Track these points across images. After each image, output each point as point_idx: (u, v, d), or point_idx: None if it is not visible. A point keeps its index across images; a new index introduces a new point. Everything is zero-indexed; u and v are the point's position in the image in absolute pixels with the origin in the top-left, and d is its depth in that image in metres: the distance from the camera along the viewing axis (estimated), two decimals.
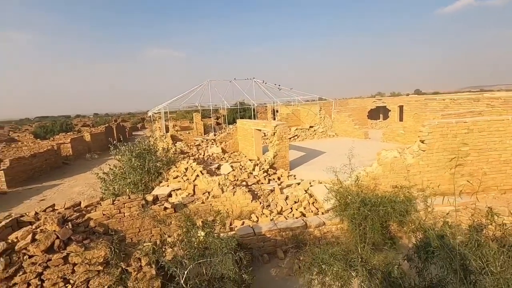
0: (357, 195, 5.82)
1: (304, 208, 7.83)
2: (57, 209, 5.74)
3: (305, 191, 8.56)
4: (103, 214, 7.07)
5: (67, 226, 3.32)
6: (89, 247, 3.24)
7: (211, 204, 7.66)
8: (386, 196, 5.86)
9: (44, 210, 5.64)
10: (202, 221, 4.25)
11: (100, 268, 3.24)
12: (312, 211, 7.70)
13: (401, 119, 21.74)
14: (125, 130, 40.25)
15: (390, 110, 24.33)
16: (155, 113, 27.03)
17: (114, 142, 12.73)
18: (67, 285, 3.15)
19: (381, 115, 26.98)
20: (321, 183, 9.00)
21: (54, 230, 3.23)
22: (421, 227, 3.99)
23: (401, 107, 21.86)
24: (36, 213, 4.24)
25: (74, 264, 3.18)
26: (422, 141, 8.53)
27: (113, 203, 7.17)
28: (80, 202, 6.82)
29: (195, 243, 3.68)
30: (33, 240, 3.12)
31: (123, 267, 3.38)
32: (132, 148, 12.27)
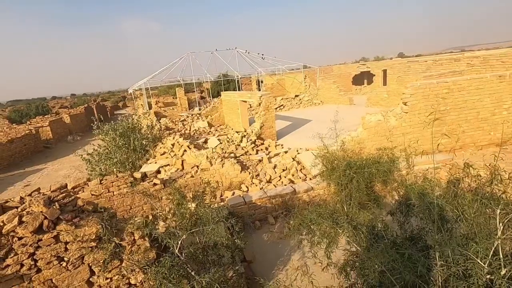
0: (343, 159, 6.00)
1: (293, 175, 8.02)
2: (42, 193, 5.64)
3: (293, 159, 8.72)
4: (92, 195, 7.03)
5: (54, 207, 3.28)
6: (80, 225, 3.23)
7: (200, 178, 7.71)
8: (370, 159, 6.07)
9: (30, 194, 5.54)
10: (192, 194, 4.30)
11: (93, 244, 3.27)
12: (300, 178, 7.90)
13: (385, 84, 21.88)
14: (106, 110, 38.90)
15: (374, 75, 24.36)
16: (135, 90, 26.08)
17: (96, 121, 12.36)
18: (61, 263, 3.18)
19: (365, 80, 27.03)
20: (308, 150, 9.15)
21: (41, 211, 3.19)
22: (402, 184, 4.19)
23: (385, 71, 21.91)
24: (22, 198, 4.15)
25: (66, 243, 3.18)
26: (405, 103, 8.68)
27: (100, 183, 7.11)
28: (67, 184, 6.69)
29: (187, 214, 3.74)
30: (20, 222, 3.08)
31: (117, 241, 3.43)
32: (115, 127, 11.97)
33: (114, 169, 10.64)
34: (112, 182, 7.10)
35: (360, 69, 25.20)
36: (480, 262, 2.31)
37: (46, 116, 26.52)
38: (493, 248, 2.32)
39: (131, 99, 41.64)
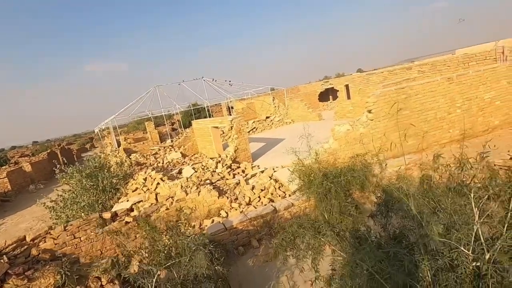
0: (319, 170, 5.99)
1: (272, 194, 7.86)
2: None
3: (270, 177, 8.60)
4: (55, 244, 6.35)
5: (1, 261, 2.85)
6: (34, 278, 2.81)
7: (176, 209, 7.30)
8: (345, 167, 6.13)
9: None
10: (165, 225, 3.99)
11: None
12: (279, 195, 7.76)
13: (348, 97, 23.00)
14: (72, 153, 36.91)
15: (338, 90, 25.61)
16: (102, 130, 25.13)
17: (59, 166, 11.57)
18: None
19: (330, 96, 28.30)
20: (284, 167, 9.12)
21: None
22: (379, 185, 4.21)
23: (347, 86, 23.12)
24: None
25: None
26: (370, 111, 9.07)
27: (65, 230, 6.46)
28: (25, 237, 6.01)
29: (160, 247, 3.42)
30: None
31: None
32: (80, 168, 11.25)
33: (82, 214, 9.84)
34: (78, 227, 6.48)
35: (324, 86, 26.42)
36: (464, 250, 2.27)
37: (3, 167, 24.52)
38: (473, 234, 2.31)
39: (98, 139, 40.01)
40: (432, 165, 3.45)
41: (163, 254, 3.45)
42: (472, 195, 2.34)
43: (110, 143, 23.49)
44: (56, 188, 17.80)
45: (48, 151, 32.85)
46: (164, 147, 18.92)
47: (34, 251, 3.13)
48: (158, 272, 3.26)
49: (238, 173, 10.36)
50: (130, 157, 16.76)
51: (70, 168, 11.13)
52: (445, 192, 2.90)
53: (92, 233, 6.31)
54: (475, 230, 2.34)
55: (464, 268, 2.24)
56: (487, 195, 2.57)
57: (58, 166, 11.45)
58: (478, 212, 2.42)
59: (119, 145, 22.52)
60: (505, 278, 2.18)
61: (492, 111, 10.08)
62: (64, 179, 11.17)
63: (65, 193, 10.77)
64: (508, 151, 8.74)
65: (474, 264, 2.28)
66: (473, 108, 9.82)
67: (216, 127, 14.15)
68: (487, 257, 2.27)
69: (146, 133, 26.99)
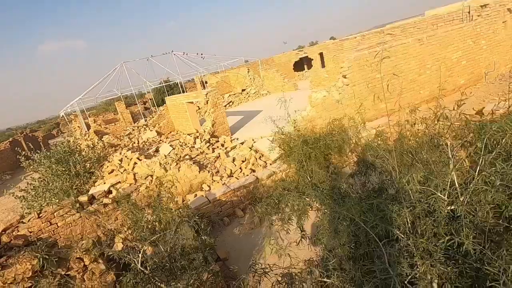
0: (298, 137, 6.03)
1: (253, 164, 7.88)
2: None
3: (250, 148, 8.58)
4: (30, 232, 6.05)
5: None
6: (8, 265, 2.65)
7: (156, 186, 7.15)
8: (323, 132, 6.20)
9: None
10: (147, 201, 3.88)
11: (32, 283, 2.71)
12: (261, 165, 7.80)
13: (323, 65, 22.96)
14: (37, 140, 34.62)
15: (312, 59, 25.43)
16: (68, 114, 23.61)
17: (24, 153, 10.80)
18: None
19: (305, 65, 28.10)
20: (263, 137, 9.10)
21: None
22: (357, 145, 4.30)
23: (321, 54, 22.96)
24: None
25: None
26: (345, 76, 9.10)
27: (39, 217, 6.14)
28: None
29: (143, 223, 3.33)
30: None
31: (62, 273, 2.89)
32: (48, 154, 10.58)
33: (57, 201, 9.41)
34: (53, 213, 6.18)
35: (299, 56, 26.08)
36: (440, 195, 2.38)
37: None
38: (449, 180, 2.41)
39: (65, 124, 37.68)
40: (409, 119, 3.54)
41: (147, 229, 3.37)
42: (449, 143, 2.41)
43: (78, 126, 22.20)
44: (25, 177, 16.82)
45: (10, 139, 30.56)
46: (138, 127, 18.20)
47: (4, 238, 2.92)
48: (144, 248, 3.19)
49: (218, 147, 10.23)
50: (103, 139, 15.99)
51: (36, 154, 10.43)
52: (422, 144, 2.99)
53: (70, 218, 6.06)
54: (449, 177, 2.45)
55: (440, 212, 2.36)
56: (461, 143, 2.68)
57: (23, 153, 10.67)
58: (453, 160, 2.52)
59: (88, 128, 21.36)
60: (476, 217, 2.33)
61: (459, 71, 10.49)
62: (32, 167, 10.50)
63: (35, 181, 10.18)
64: (473, 108, 9.25)
65: (449, 208, 2.41)
66: (442, 68, 10.14)
67: (191, 102, 13.69)
68: (461, 199, 2.40)
69: (117, 114, 25.70)
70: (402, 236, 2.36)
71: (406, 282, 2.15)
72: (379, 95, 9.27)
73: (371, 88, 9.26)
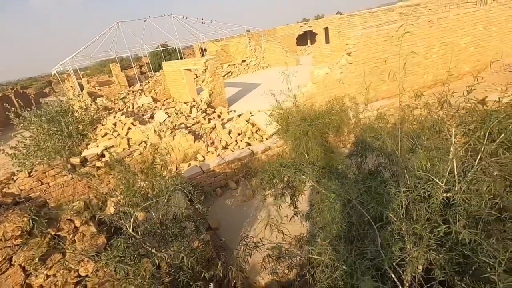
0: (297, 113, 5.92)
1: (249, 138, 7.82)
2: None
3: (247, 121, 8.47)
4: (21, 190, 6.03)
5: None
6: None
7: (150, 152, 7.08)
8: (323, 110, 6.09)
9: None
10: (140, 167, 3.82)
11: (21, 241, 2.70)
12: (257, 139, 7.74)
13: (327, 42, 22.24)
14: (29, 97, 33.73)
15: (316, 34, 24.56)
16: (61, 73, 22.76)
17: (14, 109, 10.50)
18: None
19: (308, 40, 27.21)
20: (261, 111, 8.95)
21: None
22: (357, 125, 4.24)
23: (326, 29, 22.15)
24: None
25: None
26: (349, 54, 8.81)
27: (30, 176, 6.09)
28: None
29: (136, 188, 3.30)
30: None
31: (53, 233, 2.89)
32: (39, 112, 10.32)
33: (49, 160, 9.32)
34: (45, 172, 6.13)
35: (303, 29, 25.15)
36: (438, 182, 2.37)
37: None
38: (448, 167, 2.39)
39: (58, 82, 36.54)
40: (410, 104, 3.46)
41: (140, 195, 3.34)
42: (453, 130, 2.35)
43: (71, 86, 21.54)
44: (15, 135, 16.54)
45: (0, 95, 29.69)
46: (133, 92, 17.75)
47: None
48: (136, 213, 3.18)
49: (214, 118, 10.08)
50: (96, 101, 15.61)
51: (27, 112, 10.16)
52: (423, 129, 2.93)
53: (61, 178, 6.02)
54: (449, 164, 2.42)
55: (436, 199, 2.35)
56: (463, 131, 2.63)
57: (13, 109, 10.38)
58: (454, 148, 2.48)
59: (82, 89, 20.76)
60: (470, 206, 2.34)
61: (466, 57, 10.24)
62: (22, 125, 10.27)
63: (26, 139, 10.01)
64: (474, 96, 9.14)
65: (445, 195, 2.41)
66: (448, 53, 9.87)
67: (189, 70, 13.27)
68: (457, 188, 2.39)
69: (112, 76, 24.93)
70: (395, 219, 2.37)
71: (394, 264, 2.19)
72: (383, 77, 9.09)
73: (374, 69, 9.03)
